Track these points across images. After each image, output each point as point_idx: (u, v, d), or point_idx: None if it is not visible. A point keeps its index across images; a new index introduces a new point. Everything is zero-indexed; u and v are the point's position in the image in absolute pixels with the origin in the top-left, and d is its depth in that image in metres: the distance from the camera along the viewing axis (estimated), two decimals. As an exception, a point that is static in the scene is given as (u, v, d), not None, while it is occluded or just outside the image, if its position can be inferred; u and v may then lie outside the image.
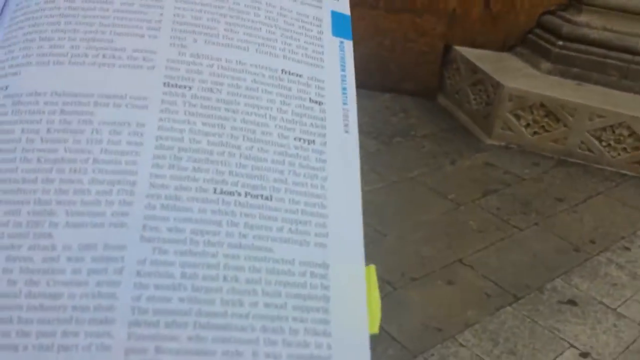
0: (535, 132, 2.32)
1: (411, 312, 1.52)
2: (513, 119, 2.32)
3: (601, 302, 1.63)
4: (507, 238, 1.81)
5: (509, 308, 1.54)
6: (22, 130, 0.25)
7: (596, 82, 2.39)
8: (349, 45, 0.32)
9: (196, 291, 0.23)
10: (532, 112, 2.29)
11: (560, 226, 1.93)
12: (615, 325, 1.56)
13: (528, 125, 2.31)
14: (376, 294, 0.25)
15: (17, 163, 0.24)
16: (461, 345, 1.43)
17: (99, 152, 0.25)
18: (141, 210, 0.24)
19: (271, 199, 0.26)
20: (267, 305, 0.23)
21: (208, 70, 0.28)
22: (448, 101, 2.59)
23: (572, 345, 1.47)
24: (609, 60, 2.40)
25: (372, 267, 0.25)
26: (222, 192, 0.25)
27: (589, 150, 2.29)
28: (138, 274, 0.23)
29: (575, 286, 1.68)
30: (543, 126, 2.30)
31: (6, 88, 0.26)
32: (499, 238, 1.80)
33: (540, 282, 1.67)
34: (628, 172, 2.26)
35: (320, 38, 0.31)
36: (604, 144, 2.26)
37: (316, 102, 0.29)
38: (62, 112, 0.25)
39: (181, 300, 0.22)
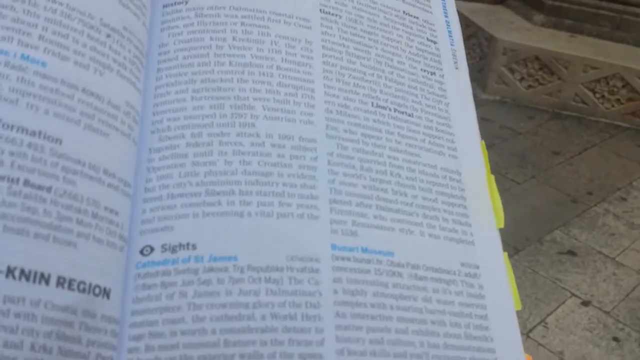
0: (529, 86, 2.40)
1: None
2: (507, 73, 2.39)
3: (600, 252, 1.73)
4: (505, 192, 1.90)
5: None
6: (211, 38, 0.31)
7: (589, 34, 2.48)
8: None
9: (373, 181, 0.29)
10: (526, 66, 2.37)
11: (557, 179, 2.03)
12: (614, 274, 1.67)
13: (522, 78, 2.39)
14: (497, 196, 0.32)
15: (212, 66, 0.30)
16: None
17: (280, 60, 0.31)
18: (322, 112, 0.30)
19: (412, 116, 0.32)
20: (424, 198, 0.30)
21: (351, 4, 0.34)
22: (439, 55, 2.64)
23: (573, 294, 1.58)
24: (601, 11, 2.48)
25: (493, 176, 0.32)
26: (378, 106, 0.31)
27: (583, 102, 2.38)
28: (329, 162, 0.29)
29: (574, 237, 1.78)
30: (537, 79, 2.38)
31: (186, 2, 0.32)
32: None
33: (539, 234, 1.77)
34: (622, 124, 2.37)
35: None
36: (597, 95, 2.36)
37: (432, 41, 0.36)
38: (243, 24, 0.31)
39: (364, 186, 0.29)
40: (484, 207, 0.31)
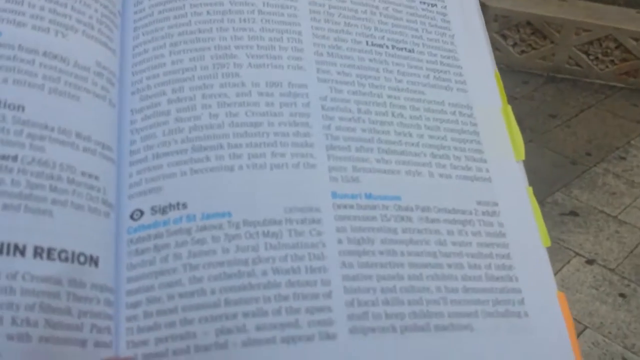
0: (522, 51, 2.37)
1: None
2: (500, 39, 2.36)
3: (602, 211, 1.72)
4: (504, 157, 1.88)
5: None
6: None
7: (579, -3, 2.44)
8: None
9: (373, 123, 0.27)
10: (518, 31, 2.34)
11: (555, 141, 2.01)
12: (617, 232, 1.65)
13: (515, 44, 2.36)
14: (516, 128, 0.29)
15: (189, 17, 0.28)
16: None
17: (261, 4, 0.29)
18: (311, 56, 0.28)
19: (413, 52, 0.30)
20: (431, 137, 0.28)
21: None
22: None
23: (577, 254, 1.56)
24: (590, -26, 2.44)
25: (509, 107, 0.30)
26: (373, 45, 0.29)
27: (577, 64, 2.35)
28: (323, 107, 0.27)
29: (575, 198, 1.77)
30: (530, 44, 2.35)
31: None
32: (497, 158, 1.87)
33: (541, 197, 1.75)
34: (617, 84, 2.34)
35: None
36: (591, 57, 2.33)
37: None
38: None
39: (363, 130, 0.27)
40: (500, 140, 0.29)
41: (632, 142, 2.03)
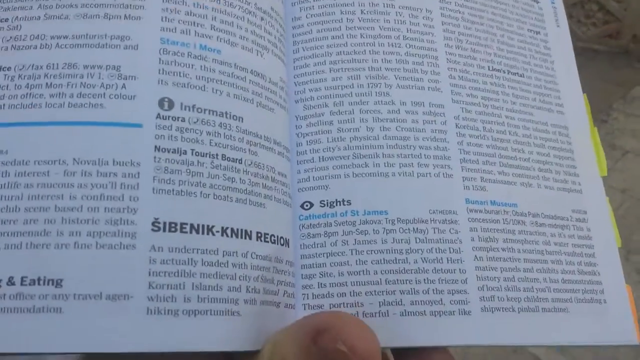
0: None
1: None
2: None
3: (588, 173, 1.78)
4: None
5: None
6: (341, 12, 0.33)
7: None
8: None
9: (495, 140, 0.32)
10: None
11: (549, 104, 2.05)
12: (601, 193, 1.72)
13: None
14: (600, 147, 0.35)
15: (345, 39, 0.33)
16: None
17: (405, 30, 0.33)
18: (446, 79, 0.33)
19: (524, 77, 0.35)
20: (538, 153, 0.33)
21: None
22: None
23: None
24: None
25: (595, 128, 0.35)
26: (493, 69, 0.34)
27: (569, 28, 2.37)
28: (456, 126, 0.32)
29: (565, 159, 1.83)
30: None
31: None
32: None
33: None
34: (599, 47, 2.37)
35: None
36: (574, 20, 2.34)
37: (534, 0, 0.38)
38: None
39: (487, 146, 0.32)
40: (588, 158, 0.35)
41: (614, 105, 2.08)
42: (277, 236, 0.28)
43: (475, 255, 0.30)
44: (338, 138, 0.31)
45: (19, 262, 0.22)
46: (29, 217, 0.23)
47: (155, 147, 0.25)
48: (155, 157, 0.25)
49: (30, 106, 0.25)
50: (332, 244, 0.29)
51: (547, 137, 0.34)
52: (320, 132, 0.31)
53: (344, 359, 0.24)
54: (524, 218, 0.31)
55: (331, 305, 0.28)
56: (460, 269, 0.29)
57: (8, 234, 0.23)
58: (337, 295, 0.29)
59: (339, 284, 0.29)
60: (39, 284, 0.22)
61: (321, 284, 0.29)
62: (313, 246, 0.29)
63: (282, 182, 0.29)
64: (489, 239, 0.30)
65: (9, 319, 0.22)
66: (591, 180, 0.34)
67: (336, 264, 0.29)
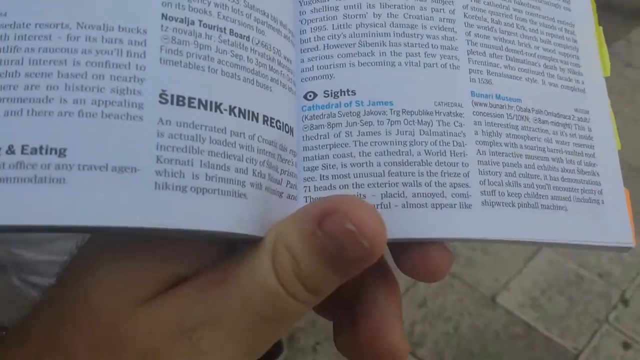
0: None
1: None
2: None
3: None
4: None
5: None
6: None
7: None
8: None
9: (502, 33, 0.31)
10: None
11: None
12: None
13: None
14: (604, 47, 0.34)
15: None
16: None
17: None
18: (462, 13, 0.31)
19: None
20: (544, 49, 0.32)
21: None
22: None
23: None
24: None
25: (600, 27, 0.34)
26: None
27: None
28: (465, 15, 0.31)
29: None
30: None
31: None
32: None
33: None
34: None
35: None
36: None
37: None
38: None
39: (495, 38, 0.31)
40: (593, 57, 0.34)
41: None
42: (282, 122, 0.27)
43: (478, 150, 0.29)
44: (344, 25, 0.29)
45: (19, 130, 0.21)
46: (30, 83, 0.21)
47: (163, 14, 0.24)
48: (162, 25, 0.24)
49: None
50: (336, 135, 0.28)
51: (554, 33, 0.33)
52: (325, 19, 0.30)
53: (353, 239, 0.23)
54: (528, 114, 0.31)
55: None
56: (463, 163, 0.29)
57: (8, 100, 0.21)
58: (340, 187, 0.28)
59: (341, 176, 0.28)
60: (40, 153, 0.21)
61: (323, 175, 0.28)
62: (316, 137, 0.28)
63: (287, 67, 0.28)
64: (492, 134, 0.29)
65: (8, 190, 0.20)
66: (595, 80, 0.33)
67: (339, 155, 0.28)
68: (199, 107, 0.24)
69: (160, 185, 0.22)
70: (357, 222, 0.23)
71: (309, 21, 0.30)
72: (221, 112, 0.24)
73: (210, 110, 0.24)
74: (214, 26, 0.25)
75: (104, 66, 0.22)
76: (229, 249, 0.28)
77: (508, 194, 0.29)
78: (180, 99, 0.23)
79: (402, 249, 0.29)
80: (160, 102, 0.23)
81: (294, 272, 0.25)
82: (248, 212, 0.25)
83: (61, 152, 0.21)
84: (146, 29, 0.23)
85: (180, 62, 0.24)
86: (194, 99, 0.24)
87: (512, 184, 0.29)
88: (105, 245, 0.26)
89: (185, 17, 0.24)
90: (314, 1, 0.30)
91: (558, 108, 0.31)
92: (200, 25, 0.24)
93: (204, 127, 0.24)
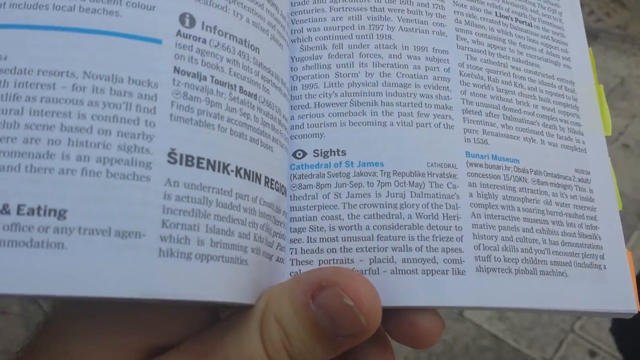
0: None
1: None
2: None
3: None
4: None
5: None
6: None
7: None
8: None
9: (499, 91, 0.30)
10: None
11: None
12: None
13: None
14: (605, 105, 0.32)
15: None
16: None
17: None
18: (452, 23, 0.30)
19: (532, 26, 0.32)
20: (543, 108, 0.31)
21: None
22: None
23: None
24: None
25: (601, 85, 0.33)
26: (501, 16, 0.31)
27: None
28: (460, 73, 0.30)
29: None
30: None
31: None
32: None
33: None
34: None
35: None
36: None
37: None
38: None
39: (492, 97, 0.30)
40: (593, 116, 0.32)
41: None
42: (280, 183, 0.26)
43: (473, 212, 0.27)
44: (335, 83, 0.28)
45: (16, 187, 0.19)
46: (29, 136, 0.19)
47: (175, 68, 0.22)
48: (174, 80, 0.22)
49: (35, 7, 0.21)
50: (325, 197, 0.27)
51: (553, 91, 0.31)
52: (317, 76, 0.29)
53: (350, 315, 0.22)
54: (526, 175, 0.29)
55: (320, 261, 0.26)
56: (456, 226, 0.27)
57: (5, 154, 0.19)
58: (327, 250, 0.26)
59: (329, 239, 0.27)
60: (38, 214, 0.19)
61: (311, 238, 0.27)
62: (304, 198, 0.27)
63: (285, 126, 0.27)
64: (488, 196, 0.28)
65: (2, 254, 0.18)
66: (595, 139, 0.32)
67: (327, 217, 0.27)
68: (207, 168, 0.22)
69: (165, 252, 0.20)
70: (354, 297, 0.22)
71: (301, 78, 0.29)
72: (228, 173, 0.23)
73: (218, 171, 0.22)
74: (226, 83, 0.23)
75: (111, 121, 0.20)
76: (213, 315, 0.27)
77: (504, 260, 0.27)
78: (190, 158, 0.22)
79: (390, 314, 0.27)
80: (169, 161, 0.21)
81: (284, 346, 0.23)
82: (247, 280, 0.23)
83: (61, 214, 0.19)
84: (157, 83, 0.22)
85: (192, 119, 0.22)
86: (203, 159, 0.22)
87: (508, 249, 0.27)
88: (78, 311, 0.25)
89: (198, 72, 0.23)
90: (306, 58, 0.29)
91: (558, 169, 0.30)
92: (212, 82, 0.23)
93: (211, 190, 0.22)
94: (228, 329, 0.24)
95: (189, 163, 0.22)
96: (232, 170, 0.23)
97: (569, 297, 0.28)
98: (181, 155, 0.22)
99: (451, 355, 1.29)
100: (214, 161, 0.22)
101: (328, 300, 0.22)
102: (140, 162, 0.21)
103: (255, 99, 0.25)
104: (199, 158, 0.22)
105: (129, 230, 0.20)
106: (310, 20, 0.29)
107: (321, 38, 0.29)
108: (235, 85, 0.24)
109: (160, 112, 0.21)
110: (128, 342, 0.24)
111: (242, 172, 0.23)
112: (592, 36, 2.14)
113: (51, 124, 0.20)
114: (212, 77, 0.23)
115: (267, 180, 0.25)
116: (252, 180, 0.24)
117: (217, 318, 0.27)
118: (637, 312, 0.29)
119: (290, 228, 0.27)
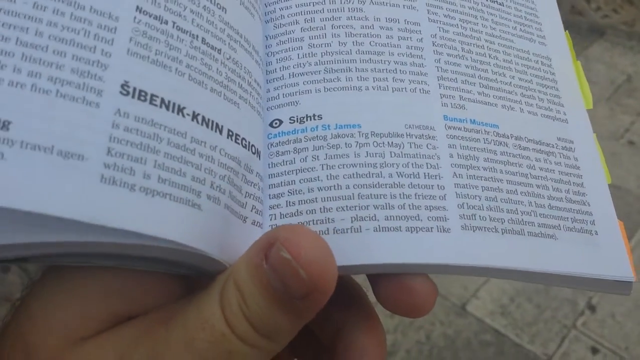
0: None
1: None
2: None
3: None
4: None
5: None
6: None
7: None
8: None
9: (474, 62, 0.30)
10: None
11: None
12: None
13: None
14: (585, 81, 0.32)
15: None
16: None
17: None
18: (430, 42, 0.30)
19: (503, 5, 0.33)
20: (520, 79, 0.31)
21: None
22: None
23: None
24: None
25: (579, 62, 0.33)
26: None
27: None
28: (433, 44, 0.30)
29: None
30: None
31: None
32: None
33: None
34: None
35: None
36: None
37: None
38: None
39: (466, 66, 0.30)
40: (573, 90, 0.32)
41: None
42: (249, 142, 0.25)
43: (455, 172, 0.27)
44: (309, 54, 0.28)
45: None
46: None
47: (137, 7, 0.23)
48: (135, 18, 0.22)
49: None
50: (302, 160, 0.26)
51: (529, 65, 0.32)
52: (291, 49, 0.29)
53: (290, 270, 0.20)
54: (506, 140, 0.28)
55: (300, 224, 0.25)
56: (438, 185, 0.26)
57: None
58: (306, 212, 0.25)
59: (308, 201, 0.26)
60: None
61: (289, 202, 0.26)
62: (282, 163, 0.26)
63: (257, 90, 0.27)
64: (468, 157, 0.27)
65: None
66: (576, 112, 0.31)
67: (305, 180, 0.26)
68: (160, 106, 0.22)
69: (107, 179, 0.20)
70: (293, 250, 0.20)
71: (275, 53, 0.29)
72: (183, 116, 0.22)
73: (172, 111, 0.22)
74: (187, 31, 0.24)
75: (67, 44, 0.21)
76: (188, 289, 0.25)
77: (490, 219, 0.26)
78: (142, 93, 0.22)
79: (381, 281, 0.26)
80: (121, 92, 0.21)
81: (240, 309, 0.21)
82: (202, 226, 0.22)
83: (5, 125, 0.19)
84: (118, 17, 0.22)
85: (148, 57, 0.22)
86: (157, 96, 0.22)
87: (493, 209, 0.26)
88: (50, 278, 0.23)
89: (160, 15, 0.23)
90: (280, 34, 0.29)
91: (539, 135, 0.29)
92: (173, 27, 0.23)
93: (163, 127, 0.22)
94: (193, 297, 0.23)
95: (142, 98, 0.22)
96: (188, 114, 0.23)
97: (559, 259, 0.27)
98: (134, 89, 0.22)
99: (453, 349, 1.26)
100: (169, 101, 0.22)
101: (272, 257, 0.21)
102: (92, 88, 0.21)
103: (220, 54, 0.25)
104: (152, 95, 0.22)
105: (72, 152, 0.20)
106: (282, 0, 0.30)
107: (293, 14, 0.30)
108: (197, 36, 0.24)
109: (117, 44, 0.22)
110: (94, 309, 0.23)
111: (199, 117, 0.23)
112: (599, 32, 2.13)
113: (7, 36, 0.20)
114: (174, 22, 0.24)
115: (230, 133, 0.24)
116: (211, 129, 0.23)
117: (191, 292, 0.26)
118: (634, 280, 0.28)
119: (269, 194, 0.26)
